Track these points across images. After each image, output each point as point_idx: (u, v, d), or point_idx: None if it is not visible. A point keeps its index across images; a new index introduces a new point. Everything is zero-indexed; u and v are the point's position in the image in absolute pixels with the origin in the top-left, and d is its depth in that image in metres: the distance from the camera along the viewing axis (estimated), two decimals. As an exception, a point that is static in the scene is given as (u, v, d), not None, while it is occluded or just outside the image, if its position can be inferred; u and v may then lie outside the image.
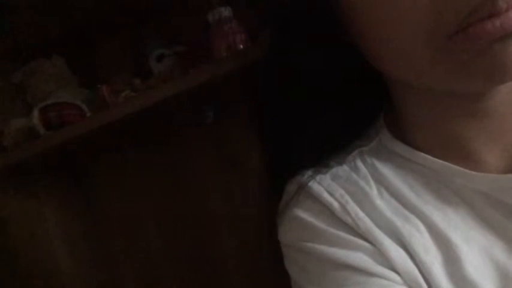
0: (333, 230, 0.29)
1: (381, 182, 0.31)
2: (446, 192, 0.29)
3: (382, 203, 0.29)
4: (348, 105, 0.33)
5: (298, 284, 0.30)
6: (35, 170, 0.96)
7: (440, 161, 0.29)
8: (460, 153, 0.30)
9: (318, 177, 0.32)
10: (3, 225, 0.90)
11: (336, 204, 0.29)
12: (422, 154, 0.30)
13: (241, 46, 0.71)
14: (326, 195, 0.30)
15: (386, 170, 0.31)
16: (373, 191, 0.30)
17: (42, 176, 0.99)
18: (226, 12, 0.72)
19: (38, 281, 0.92)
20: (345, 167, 0.32)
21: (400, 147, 0.32)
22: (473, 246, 0.27)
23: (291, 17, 0.30)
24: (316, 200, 0.30)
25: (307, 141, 0.33)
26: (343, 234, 0.28)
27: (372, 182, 0.31)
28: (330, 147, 0.34)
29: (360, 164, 0.32)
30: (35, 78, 0.89)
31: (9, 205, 0.92)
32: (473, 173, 0.28)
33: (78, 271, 1.00)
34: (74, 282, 0.99)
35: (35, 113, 0.81)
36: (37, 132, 0.81)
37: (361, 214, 0.29)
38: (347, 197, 0.30)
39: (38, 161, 0.89)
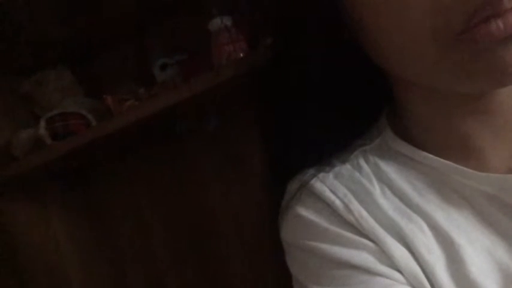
0: (335, 229, 0.29)
1: (384, 181, 0.30)
2: (449, 192, 0.29)
3: (385, 202, 0.29)
4: (351, 104, 0.32)
5: (300, 282, 0.30)
6: (42, 179, 0.97)
7: (443, 160, 0.29)
8: (463, 152, 0.30)
9: (320, 176, 0.31)
10: (12, 232, 0.91)
11: (338, 203, 0.29)
12: (425, 153, 0.30)
13: (241, 54, 0.72)
14: (329, 194, 0.30)
15: (389, 169, 0.31)
16: (376, 190, 0.30)
17: (49, 184, 1.00)
18: (226, 21, 0.73)
19: (45, 285, 0.92)
20: (348, 166, 0.32)
21: (403, 146, 0.31)
22: (476, 247, 0.26)
23: (292, 15, 0.30)
24: (319, 198, 0.30)
25: (310, 140, 0.33)
26: (346, 233, 0.28)
27: (374, 181, 0.30)
28: (332, 146, 0.33)
29: (362, 163, 0.32)
30: (42, 89, 0.91)
31: (18, 213, 0.93)
32: (477, 172, 0.28)
33: (86, 276, 1.01)
34: (81, 286, 1.00)
35: (42, 124, 0.82)
36: (44, 143, 0.82)
37: (364, 213, 0.28)
38: (350, 196, 0.29)
39: (45, 171, 0.90)
